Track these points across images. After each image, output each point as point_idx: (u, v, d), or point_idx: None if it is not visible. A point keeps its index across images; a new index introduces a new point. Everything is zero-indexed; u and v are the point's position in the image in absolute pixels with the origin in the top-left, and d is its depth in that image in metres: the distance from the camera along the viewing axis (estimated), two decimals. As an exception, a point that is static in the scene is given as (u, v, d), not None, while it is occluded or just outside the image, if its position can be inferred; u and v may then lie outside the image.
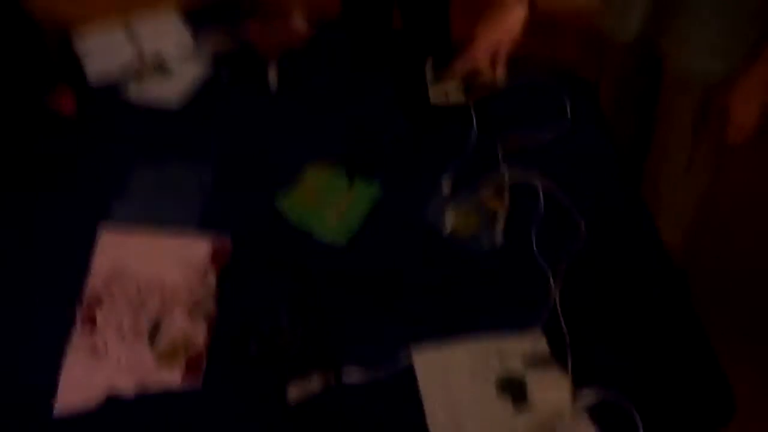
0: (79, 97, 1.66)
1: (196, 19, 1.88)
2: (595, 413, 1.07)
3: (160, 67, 1.75)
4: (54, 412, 1.10)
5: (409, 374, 1.12)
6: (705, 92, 1.49)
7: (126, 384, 1.13)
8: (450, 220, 1.34)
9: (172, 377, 1.14)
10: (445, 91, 1.60)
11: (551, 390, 1.09)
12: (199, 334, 1.19)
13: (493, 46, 1.57)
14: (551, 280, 1.24)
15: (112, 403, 1.11)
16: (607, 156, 1.50)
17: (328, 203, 1.40)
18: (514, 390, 1.09)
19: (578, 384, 1.09)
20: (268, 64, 1.72)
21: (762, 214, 2.50)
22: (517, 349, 1.14)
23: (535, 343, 1.15)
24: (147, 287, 1.27)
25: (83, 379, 1.14)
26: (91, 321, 1.22)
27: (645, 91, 1.71)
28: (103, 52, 1.80)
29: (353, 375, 1.12)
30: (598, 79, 1.84)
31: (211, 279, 1.27)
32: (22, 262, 1.34)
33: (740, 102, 1.42)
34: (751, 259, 2.36)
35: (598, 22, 1.66)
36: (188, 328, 1.20)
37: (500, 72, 1.59)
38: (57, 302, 1.25)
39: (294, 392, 1.10)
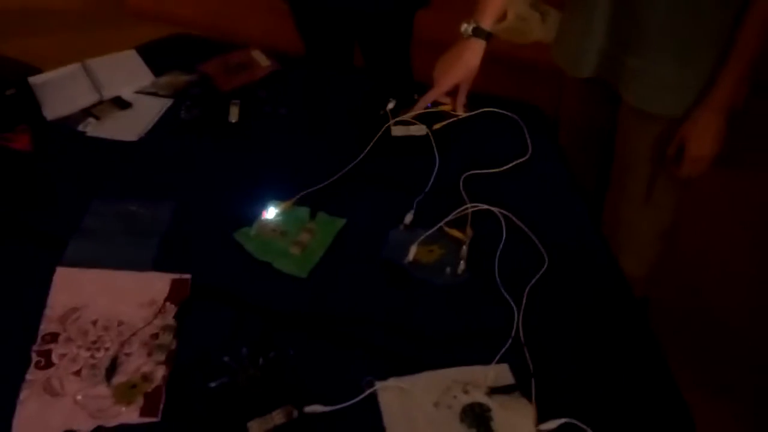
0: (35, 134, 1.64)
1: (156, 55, 1.88)
2: (559, 441, 1.06)
3: (119, 103, 1.74)
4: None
5: (373, 404, 1.11)
6: (662, 126, 1.52)
7: (83, 421, 1.10)
8: (413, 251, 1.34)
9: (129, 413, 1.11)
10: (407, 125, 1.62)
11: (515, 418, 1.08)
12: (158, 370, 1.16)
13: (453, 84, 1.60)
14: (515, 310, 1.24)
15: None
16: (565, 186, 1.52)
17: (289, 235, 1.39)
18: (477, 419, 1.08)
19: (542, 412, 1.09)
20: (228, 100, 1.72)
21: (727, 248, 2.55)
22: (481, 379, 1.13)
23: (498, 372, 1.15)
24: (104, 323, 1.24)
25: (38, 417, 1.10)
26: (47, 358, 1.18)
27: (604, 125, 1.74)
28: (61, 88, 1.79)
29: (317, 409, 1.10)
30: (557, 113, 1.88)
31: (170, 314, 1.25)
32: (-25, 300, 1.30)
33: (695, 135, 1.45)
34: (715, 290, 2.40)
35: (555, 58, 1.70)
36: (146, 364, 1.17)
37: (460, 104, 1.62)
38: (12, 340, 1.22)
39: (255, 428, 1.07)
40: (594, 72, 1.59)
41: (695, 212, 2.37)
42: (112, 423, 1.10)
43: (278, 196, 1.46)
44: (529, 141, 1.58)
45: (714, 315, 2.31)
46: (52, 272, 1.32)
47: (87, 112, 1.71)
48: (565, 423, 1.07)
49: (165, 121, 1.70)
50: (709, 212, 2.61)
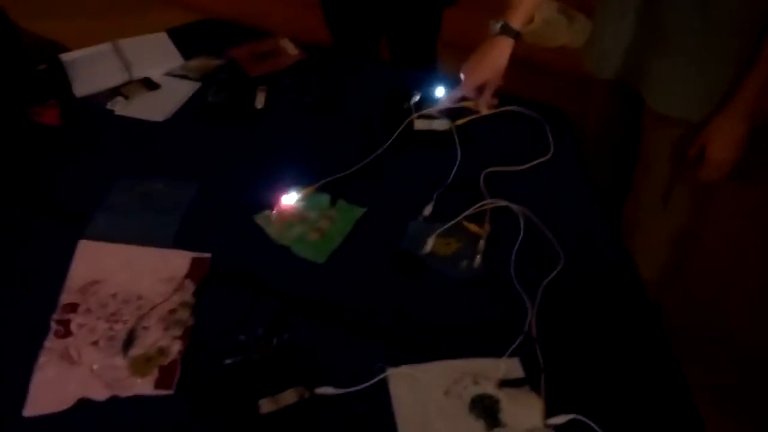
0: (64, 110, 1.67)
1: (186, 39, 1.90)
2: (566, 436, 1.07)
3: (148, 84, 1.76)
4: (23, 412, 1.09)
5: (383, 390, 1.12)
6: (682, 131, 1.53)
7: (98, 391, 1.12)
8: (430, 243, 1.35)
9: (144, 385, 1.13)
10: (430, 119, 1.63)
11: (523, 410, 1.09)
12: (174, 344, 1.18)
13: (481, 82, 1.61)
14: (528, 306, 1.25)
15: (83, 406, 1.10)
16: (585, 188, 1.52)
17: (310, 221, 1.41)
18: (486, 409, 1.09)
19: (550, 406, 1.10)
20: (255, 86, 1.74)
21: (744, 258, 2.54)
22: (492, 371, 1.14)
23: (509, 366, 1.16)
24: (123, 296, 1.26)
25: (55, 383, 1.13)
26: (65, 327, 1.21)
27: (627, 129, 1.74)
28: (91, 66, 1.82)
29: (327, 391, 1.11)
30: (583, 117, 1.88)
31: (189, 291, 1.27)
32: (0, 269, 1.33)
33: (716, 139, 1.45)
34: (729, 300, 2.39)
35: (584, 62, 1.70)
36: (163, 338, 1.19)
37: (485, 102, 1.63)
38: (32, 309, 1.24)
39: (266, 405, 1.09)
40: (619, 74, 1.60)
41: (712, 225, 2.35)
42: (126, 394, 1.12)
43: (300, 182, 1.47)
44: (551, 141, 1.59)
45: (724, 325, 2.30)
46: (74, 245, 1.35)
47: (116, 91, 1.74)
48: (573, 419, 1.07)
49: (192, 104, 1.72)
50: (726, 226, 2.60)
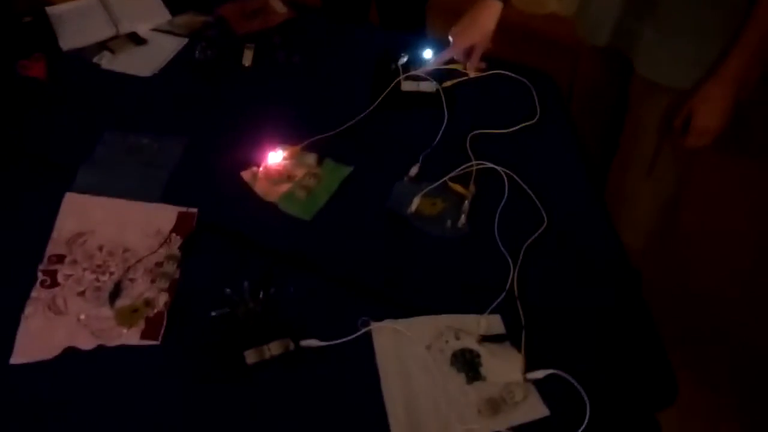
0: (50, 64, 1.65)
1: (175, -5, 1.88)
2: (545, 391, 1.09)
3: (134, 39, 1.75)
4: (11, 360, 1.10)
5: (367, 343, 1.14)
6: (670, 98, 1.54)
7: (85, 340, 1.13)
8: (416, 202, 1.37)
9: (130, 335, 1.14)
10: (418, 80, 1.63)
11: (504, 365, 1.12)
12: (161, 296, 1.20)
13: (469, 45, 1.62)
14: (510, 265, 1.27)
15: (70, 355, 1.11)
16: (571, 152, 1.54)
17: (297, 179, 1.41)
18: (467, 363, 1.11)
19: (530, 362, 1.12)
20: (243, 44, 1.74)
21: (728, 228, 2.57)
22: (473, 326, 1.16)
23: (490, 322, 1.18)
24: (109, 249, 1.27)
25: (41, 333, 1.14)
26: (52, 278, 1.21)
27: (615, 96, 1.76)
28: (78, 20, 1.80)
29: (312, 343, 1.13)
30: (571, 83, 1.89)
31: (175, 245, 1.28)
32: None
33: (702, 106, 1.46)
34: (710, 268, 2.43)
35: (576, 29, 1.71)
36: (149, 290, 1.20)
37: (473, 65, 1.64)
38: (19, 260, 1.25)
39: (252, 356, 1.11)
40: (610, 41, 1.60)
41: (697, 196, 2.38)
42: (113, 343, 1.14)
43: (287, 141, 1.48)
44: (537, 105, 1.60)
45: (704, 296, 2.34)
46: (61, 198, 1.35)
47: (102, 46, 1.72)
48: (552, 374, 1.10)
49: (179, 60, 1.72)
50: (711, 198, 2.63)
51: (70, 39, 1.73)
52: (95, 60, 1.68)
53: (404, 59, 1.68)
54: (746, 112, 1.50)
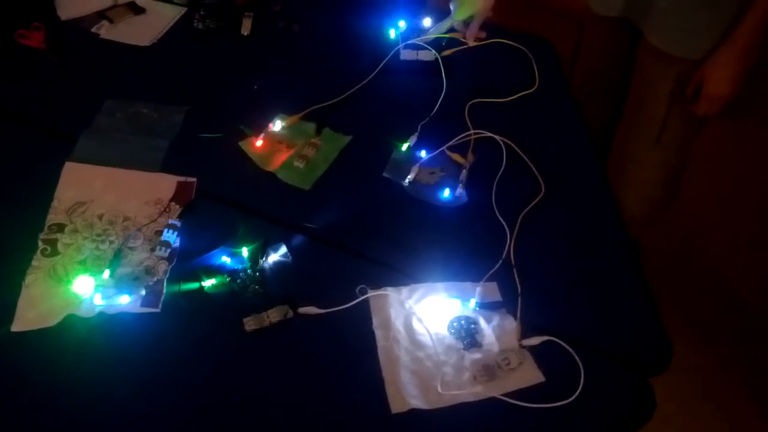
0: (49, 33, 1.65)
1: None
2: (540, 357, 1.11)
3: (133, 8, 1.74)
4: (12, 327, 1.12)
5: (365, 311, 1.16)
6: (681, 68, 1.53)
7: (84, 308, 1.14)
8: (414, 171, 1.37)
9: (131, 303, 1.15)
10: (417, 49, 1.63)
11: (500, 332, 1.13)
12: (160, 264, 1.21)
13: (469, 14, 1.61)
14: (507, 233, 1.28)
15: (71, 322, 1.13)
16: (570, 121, 1.54)
17: (295, 148, 1.42)
18: (464, 330, 1.13)
19: (525, 329, 1.13)
20: (242, 12, 1.73)
21: (732, 201, 2.57)
22: (471, 294, 1.17)
23: (487, 289, 1.19)
24: (109, 218, 1.28)
25: (42, 300, 1.15)
26: (53, 247, 1.22)
27: (621, 64, 1.75)
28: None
29: (310, 311, 1.14)
30: (573, 52, 1.88)
31: (174, 213, 1.29)
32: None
33: (713, 73, 1.46)
34: (715, 237, 2.44)
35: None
36: (149, 258, 1.22)
37: (473, 34, 1.63)
38: (20, 228, 1.26)
39: (251, 323, 1.12)
40: (622, 11, 1.59)
41: (703, 163, 2.38)
42: (113, 311, 1.15)
43: (286, 110, 1.48)
44: (536, 74, 1.60)
45: (707, 265, 2.35)
46: (61, 167, 1.36)
47: (101, 15, 1.72)
48: (547, 341, 1.11)
49: (178, 29, 1.71)
50: (717, 165, 2.63)
51: (68, 8, 1.73)
52: (94, 29, 1.68)
53: (404, 27, 1.68)
54: (751, 78, 1.50)
